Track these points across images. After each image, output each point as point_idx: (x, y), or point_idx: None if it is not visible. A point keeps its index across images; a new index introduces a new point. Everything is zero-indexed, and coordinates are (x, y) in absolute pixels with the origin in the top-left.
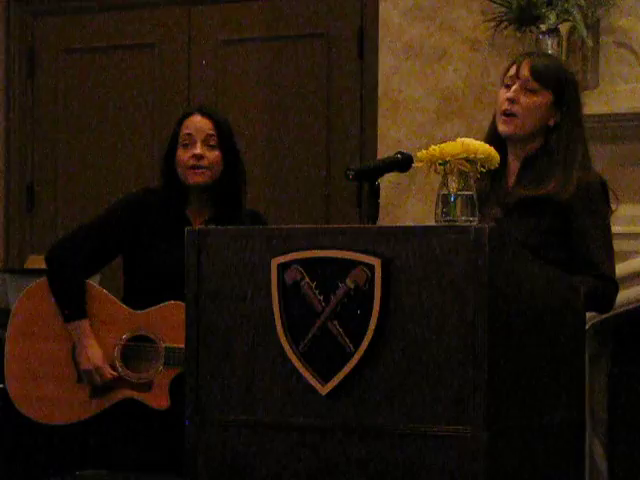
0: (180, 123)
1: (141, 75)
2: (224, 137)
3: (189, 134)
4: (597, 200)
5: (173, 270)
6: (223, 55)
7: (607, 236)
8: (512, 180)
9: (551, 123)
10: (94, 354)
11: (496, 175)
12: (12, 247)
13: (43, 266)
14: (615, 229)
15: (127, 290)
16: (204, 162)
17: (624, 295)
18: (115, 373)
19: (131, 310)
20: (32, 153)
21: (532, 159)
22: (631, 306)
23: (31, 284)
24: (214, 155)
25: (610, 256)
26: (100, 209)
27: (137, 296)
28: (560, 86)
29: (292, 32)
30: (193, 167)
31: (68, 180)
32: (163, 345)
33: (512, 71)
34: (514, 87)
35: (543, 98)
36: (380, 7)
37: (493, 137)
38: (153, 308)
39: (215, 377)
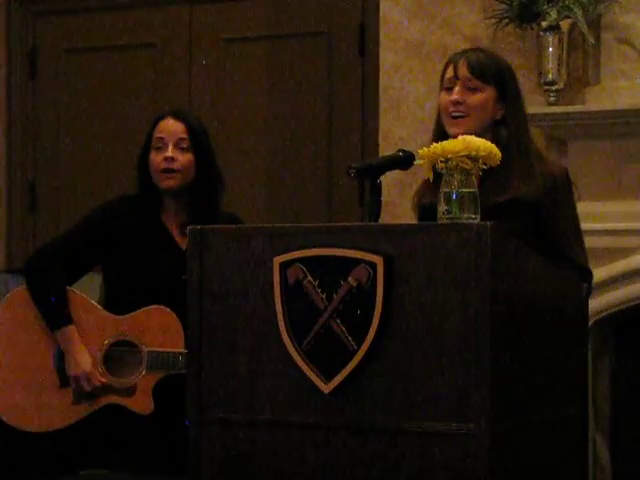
0: (153, 127)
1: (142, 74)
2: (197, 140)
3: (161, 137)
4: (565, 192)
5: (151, 275)
6: (224, 54)
7: (578, 226)
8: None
9: (498, 117)
10: (83, 360)
11: None
12: (14, 247)
13: None
14: (617, 225)
15: (108, 297)
16: (175, 165)
17: (627, 291)
18: (104, 380)
19: (113, 315)
20: (34, 153)
21: None
22: (634, 302)
23: (8, 294)
24: (186, 158)
25: (582, 246)
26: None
27: (118, 303)
28: (501, 79)
29: (293, 30)
30: (165, 171)
31: (70, 179)
32: (146, 350)
33: (450, 73)
34: (456, 89)
35: (487, 94)
36: (381, 4)
37: (438, 140)
38: (135, 313)
39: (218, 376)
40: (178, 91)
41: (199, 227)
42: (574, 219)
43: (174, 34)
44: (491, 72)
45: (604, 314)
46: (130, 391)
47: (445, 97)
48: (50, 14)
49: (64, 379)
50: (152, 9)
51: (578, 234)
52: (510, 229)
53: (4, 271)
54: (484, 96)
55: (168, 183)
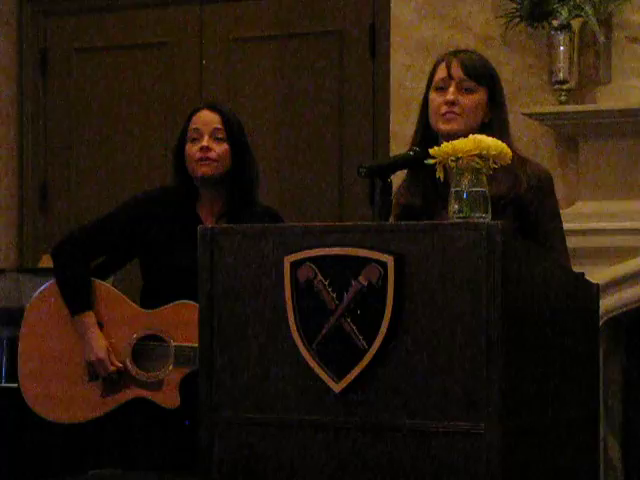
0: (189, 119)
1: (153, 74)
2: (232, 131)
3: (197, 129)
4: (550, 194)
5: (185, 269)
6: (235, 53)
7: (562, 230)
8: None
9: (486, 120)
10: (98, 346)
11: (433, 183)
12: (26, 246)
13: None
14: (629, 224)
15: (145, 292)
16: (211, 154)
17: (638, 290)
18: (120, 365)
19: (141, 309)
20: (45, 152)
21: None
22: None
23: (44, 285)
24: (222, 148)
25: (566, 247)
26: (113, 207)
27: (153, 296)
28: (492, 82)
29: (304, 30)
30: (201, 159)
31: (81, 179)
32: (173, 344)
33: (442, 73)
34: (451, 89)
35: (480, 95)
36: (392, 4)
37: (423, 140)
38: (163, 307)
39: (229, 375)
40: (189, 90)
41: (209, 226)
42: (559, 222)
43: (185, 33)
44: (484, 74)
45: (615, 313)
46: (157, 385)
47: (437, 97)
48: (61, 13)
49: (93, 372)
50: (163, 8)
51: (563, 236)
52: None
53: (16, 270)
54: (477, 97)
55: (204, 170)
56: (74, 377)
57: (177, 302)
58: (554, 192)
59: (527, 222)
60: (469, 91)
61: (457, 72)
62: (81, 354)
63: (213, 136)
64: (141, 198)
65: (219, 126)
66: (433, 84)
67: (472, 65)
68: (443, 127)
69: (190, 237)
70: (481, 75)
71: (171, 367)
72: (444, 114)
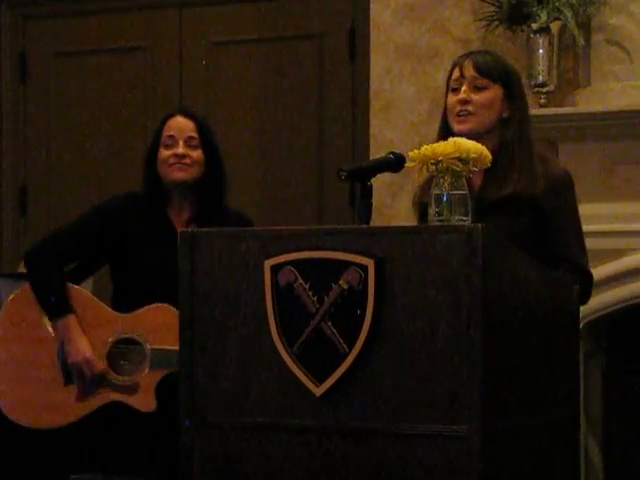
0: (162, 124)
1: (133, 78)
2: (206, 137)
3: (171, 135)
4: (567, 193)
5: (158, 272)
6: (214, 57)
7: (580, 228)
8: (478, 182)
9: (505, 115)
10: (83, 346)
11: None
12: (5, 251)
13: None
14: (608, 227)
15: (116, 296)
16: (186, 161)
17: (618, 292)
18: (105, 365)
19: (116, 313)
20: (25, 156)
21: (495, 159)
22: (625, 304)
23: (16, 290)
24: (196, 154)
25: (584, 248)
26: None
27: (125, 299)
28: (507, 78)
29: (283, 33)
30: (175, 164)
31: (61, 183)
32: (149, 347)
33: (456, 74)
34: (463, 88)
35: (494, 92)
36: (371, 8)
37: (445, 139)
38: (138, 310)
39: (210, 379)
40: (169, 94)
41: (190, 230)
42: (575, 220)
43: (164, 37)
44: (497, 71)
45: (595, 315)
46: (133, 389)
47: (452, 97)
48: (40, 17)
49: (69, 376)
50: (142, 12)
51: (579, 236)
52: (510, 226)
53: None
54: (491, 94)
55: (178, 175)
56: (49, 381)
57: (152, 305)
58: (573, 192)
59: (543, 221)
60: (482, 89)
61: (469, 71)
62: (55, 357)
63: (188, 143)
64: (111, 203)
65: (193, 134)
66: (449, 87)
67: (484, 63)
68: (457, 127)
69: (163, 241)
70: (494, 72)
71: (147, 370)
72: (458, 113)
